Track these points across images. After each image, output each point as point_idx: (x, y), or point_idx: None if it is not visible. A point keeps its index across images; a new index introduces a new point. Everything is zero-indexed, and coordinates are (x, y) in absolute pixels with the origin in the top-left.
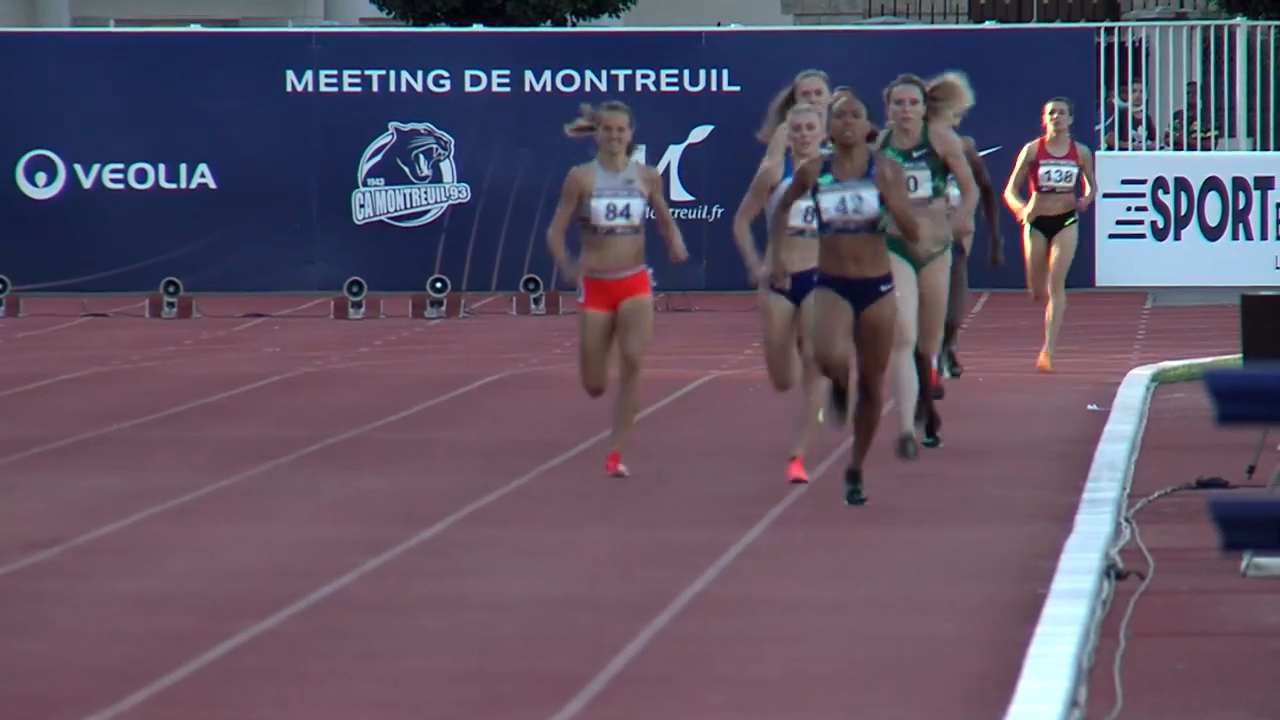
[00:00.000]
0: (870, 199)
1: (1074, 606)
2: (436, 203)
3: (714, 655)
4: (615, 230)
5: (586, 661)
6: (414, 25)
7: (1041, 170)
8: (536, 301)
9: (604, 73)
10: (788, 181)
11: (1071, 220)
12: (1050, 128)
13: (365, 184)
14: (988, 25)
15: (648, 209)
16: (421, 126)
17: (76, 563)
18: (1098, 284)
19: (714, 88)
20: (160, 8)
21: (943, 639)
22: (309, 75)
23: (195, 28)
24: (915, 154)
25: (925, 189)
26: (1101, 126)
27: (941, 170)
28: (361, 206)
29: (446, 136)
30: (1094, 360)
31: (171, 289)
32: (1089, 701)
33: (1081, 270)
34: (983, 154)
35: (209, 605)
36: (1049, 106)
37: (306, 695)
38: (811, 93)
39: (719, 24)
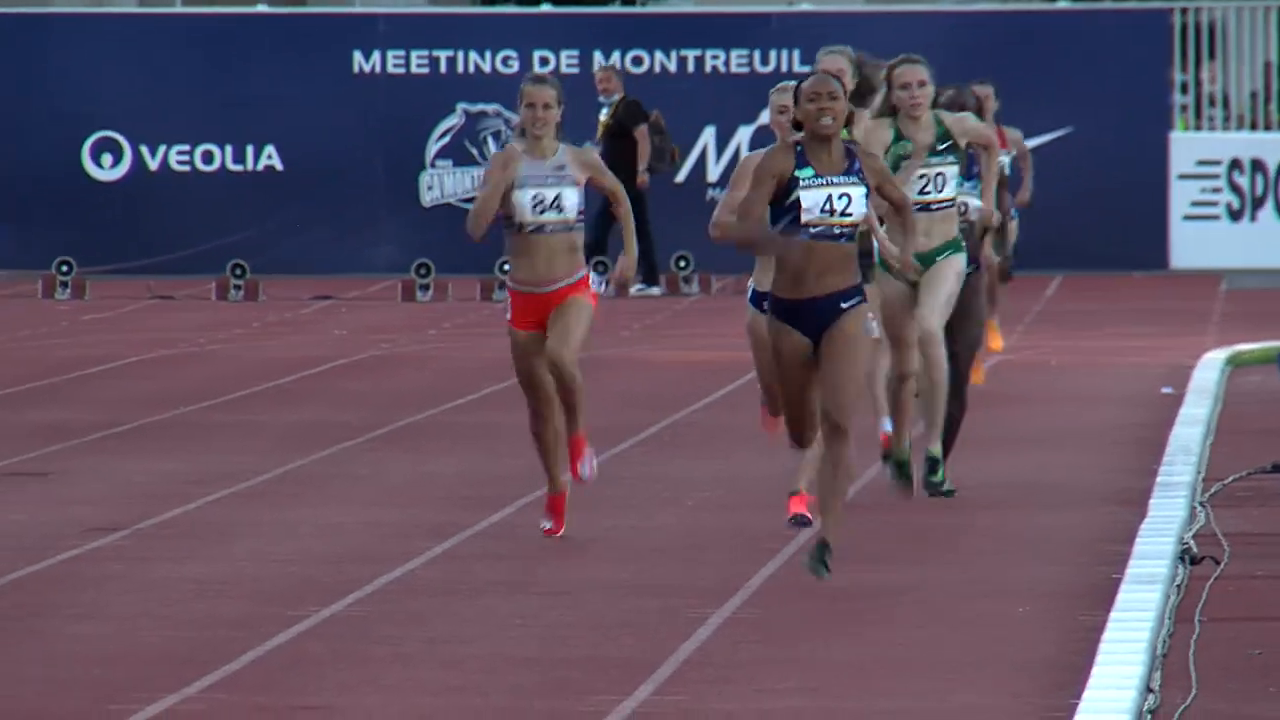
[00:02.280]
0: (859, 199)
1: (1148, 591)
2: None
3: (785, 639)
4: (545, 228)
5: (654, 646)
6: (482, 6)
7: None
8: (605, 284)
9: (673, 53)
10: None
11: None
12: None
13: (433, 166)
14: (1062, 5)
15: (581, 201)
16: (490, 108)
17: (140, 547)
18: (1172, 266)
19: (785, 68)
20: None
21: (1016, 624)
22: (376, 56)
23: (262, 8)
24: (939, 146)
25: (951, 188)
26: (1176, 107)
27: (963, 159)
28: (429, 189)
29: (515, 118)
30: (1168, 343)
31: (238, 271)
32: (1163, 687)
33: (1156, 252)
34: (1051, 137)
35: (273, 590)
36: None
37: (371, 680)
38: (832, 74)
39: (790, 4)
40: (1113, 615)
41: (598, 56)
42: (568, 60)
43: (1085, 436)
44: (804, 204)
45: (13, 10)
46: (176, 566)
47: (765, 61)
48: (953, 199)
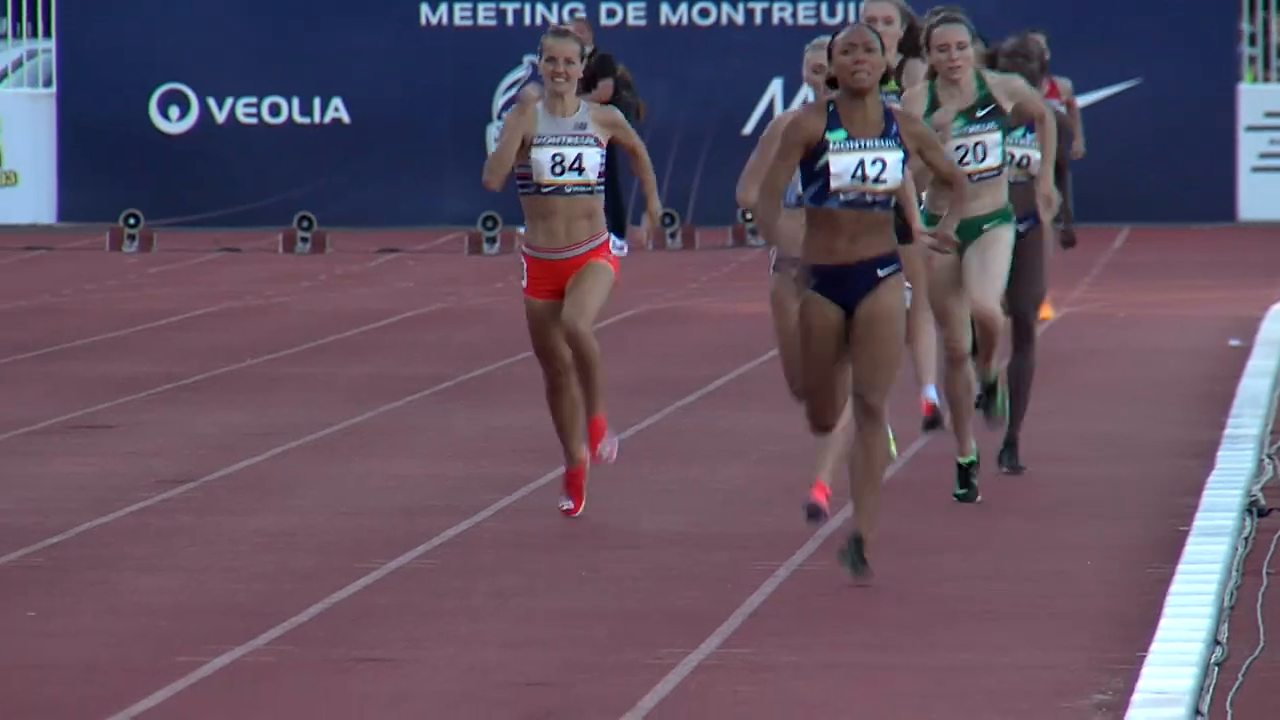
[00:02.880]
0: (895, 165)
1: (1215, 544)
2: None
3: (850, 593)
4: (565, 189)
5: (720, 600)
6: None
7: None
8: (673, 236)
9: (740, 6)
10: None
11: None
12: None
13: (500, 118)
14: None
15: (603, 163)
16: None
17: (208, 500)
18: (1240, 218)
19: (851, 20)
20: None
21: (1084, 577)
22: (443, 9)
23: None
24: (979, 113)
25: (995, 156)
26: (1244, 58)
27: (1008, 129)
28: (496, 141)
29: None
30: (1236, 294)
31: (305, 224)
32: (1230, 639)
33: (1224, 204)
34: (1120, 88)
35: (340, 542)
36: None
37: (438, 633)
38: (879, 20)
39: None
40: (1180, 568)
41: (664, 9)
42: (634, 12)
43: (1152, 389)
44: (833, 169)
45: None
46: (244, 519)
47: (832, 14)
48: (998, 167)
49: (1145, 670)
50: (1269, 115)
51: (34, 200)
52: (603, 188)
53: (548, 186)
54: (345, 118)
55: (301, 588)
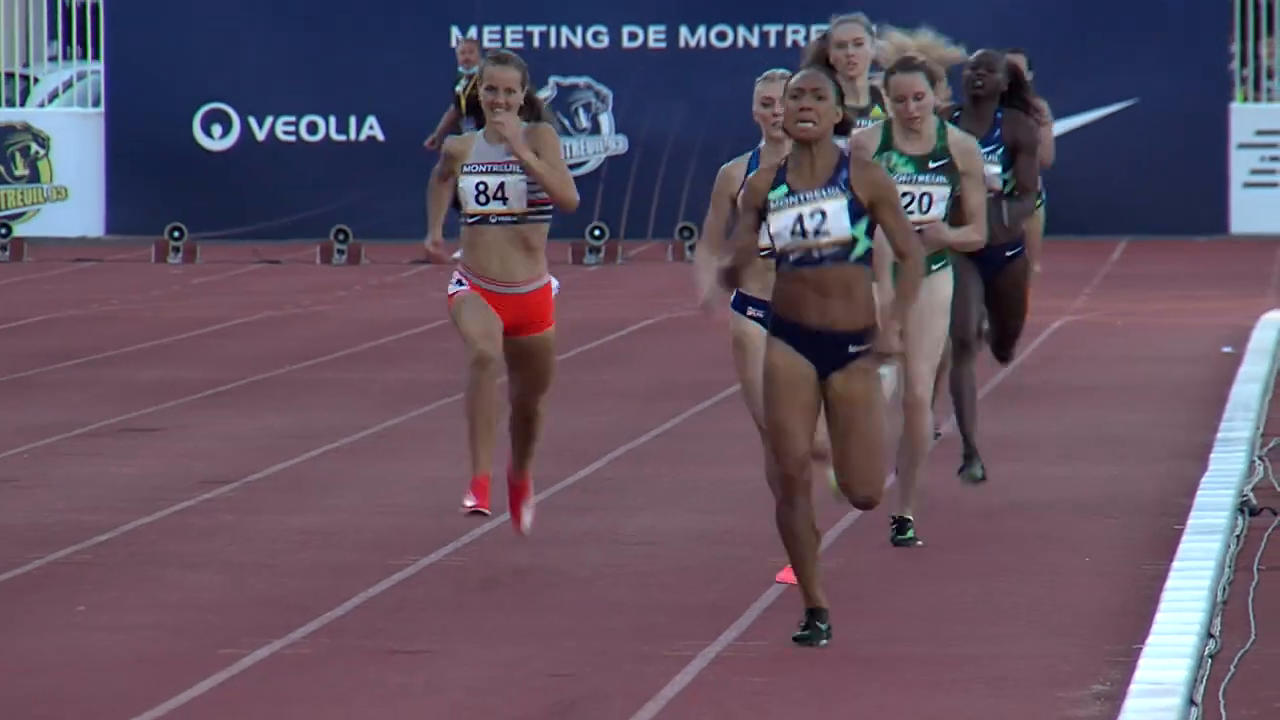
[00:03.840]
0: (838, 215)
1: (1209, 541)
2: (595, 154)
3: (861, 588)
4: (489, 219)
5: (738, 594)
6: None
7: None
8: (691, 249)
9: (756, 28)
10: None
11: (1039, 203)
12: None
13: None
14: None
15: (536, 188)
16: (581, 81)
17: (248, 499)
18: (1232, 231)
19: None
20: None
21: (1082, 573)
22: (473, 31)
23: None
24: (932, 164)
25: (939, 208)
26: (1237, 78)
27: (957, 183)
28: None
29: (605, 90)
30: (1228, 305)
31: (341, 237)
32: (1224, 632)
33: (1217, 218)
34: (1118, 107)
35: (375, 540)
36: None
37: (468, 626)
38: (849, 43)
39: None
40: (1175, 564)
41: (683, 31)
42: (655, 35)
43: (1149, 393)
44: (773, 229)
45: None
46: (283, 518)
47: None
48: (938, 219)
49: (1142, 662)
50: (1260, 134)
51: (83, 215)
52: (543, 215)
53: (473, 216)
54: (380, 135)
55: (338, 583)
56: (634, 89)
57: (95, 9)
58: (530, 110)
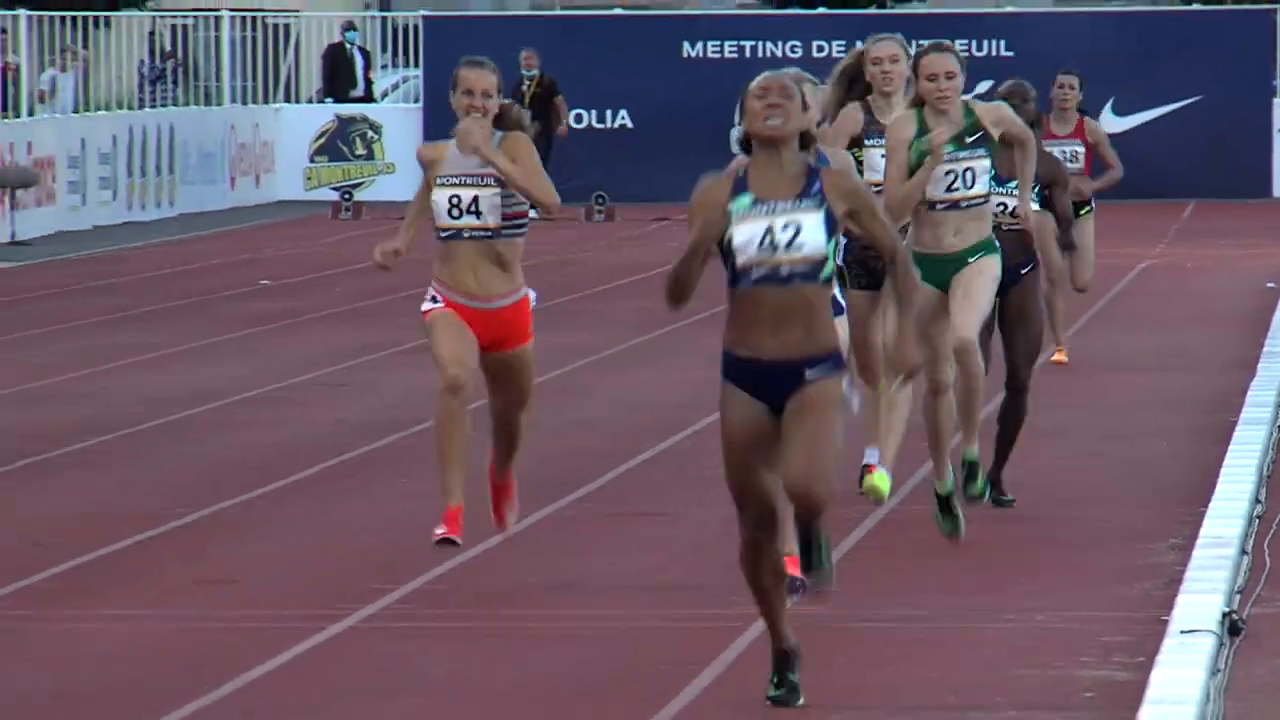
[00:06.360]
0: (815, 229)
1: (1257, 430)
2: None
3: (905, 550)
4: (462, 234)
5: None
6: (775, 8)
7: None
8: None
9: (913, 43)
10: None
11: (1086, 211)
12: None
13: (737, 124)
14: (1195, 7)
15: (514, 203)
16: None
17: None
18: (1275, 195)
19: (993, 53)
20: None
21: (1155, 457)
22: (700, 45)
23: (617, 11)
24: (968, 139)
25: (982, 184)
26: (1277, 82)
27: (995, 151)
28: (734, 140)
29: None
30: (1272, 251)
31: (600, 200)
32: (1268, 498)
33: (1263, 185)
34: (1186, 102)
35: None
36: (1056, 79)
37: (533, 599)
38: (885, 60)
39: (997, 5)
40: (1230, 447)
41: (857, 46)
42: (836, 49)
43: (1210, 318)
44: (736, 241)
45: (434, 13)
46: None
47: (980, 48)
48: (985, 195)
49: (1206, 521)
50: None
51: (407, 184)
52: (518, 230)
53: (446, 230)
54: (629, 124)
55: (423, 556)
56: None
57: (416, 29)
58: (504, 120)
